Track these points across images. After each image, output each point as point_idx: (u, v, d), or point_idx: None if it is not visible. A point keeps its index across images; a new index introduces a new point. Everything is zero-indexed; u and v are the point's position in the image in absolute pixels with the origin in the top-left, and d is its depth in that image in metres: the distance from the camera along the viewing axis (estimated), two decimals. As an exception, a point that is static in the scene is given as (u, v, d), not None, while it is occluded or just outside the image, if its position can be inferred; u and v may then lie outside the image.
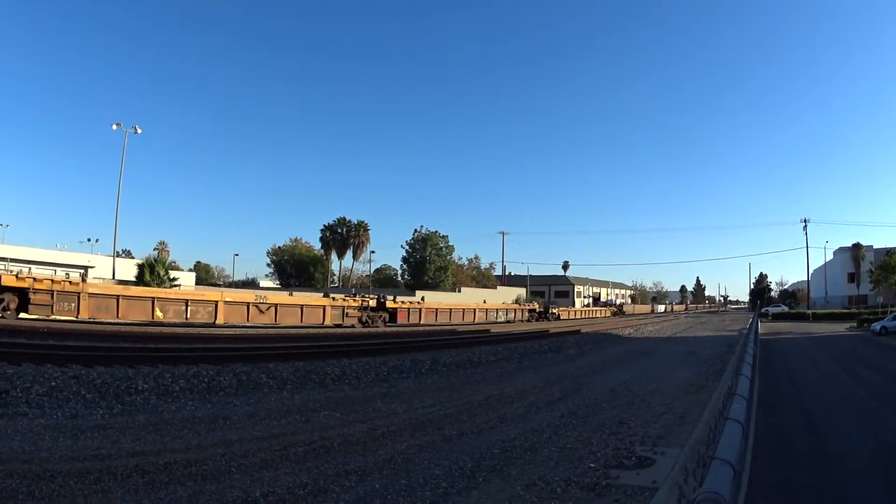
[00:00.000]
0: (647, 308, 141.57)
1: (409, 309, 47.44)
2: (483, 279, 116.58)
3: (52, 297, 26.96)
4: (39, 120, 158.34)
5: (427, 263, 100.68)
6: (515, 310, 68.36)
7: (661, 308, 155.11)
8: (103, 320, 28.06)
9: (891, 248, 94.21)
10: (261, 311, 35.59)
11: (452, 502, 7.61)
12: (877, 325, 49.36)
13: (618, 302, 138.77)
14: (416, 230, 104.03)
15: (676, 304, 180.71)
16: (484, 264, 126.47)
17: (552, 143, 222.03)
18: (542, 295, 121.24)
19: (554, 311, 78.58)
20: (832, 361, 28.52)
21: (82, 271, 59.07)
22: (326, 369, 18.50)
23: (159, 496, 7.28)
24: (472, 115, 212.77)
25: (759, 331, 40.81)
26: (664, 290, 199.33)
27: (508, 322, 62.05)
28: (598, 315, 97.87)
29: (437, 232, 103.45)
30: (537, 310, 72.26)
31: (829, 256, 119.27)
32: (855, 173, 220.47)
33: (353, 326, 40.71)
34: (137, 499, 7.17)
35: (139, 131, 57.14)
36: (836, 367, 25.98)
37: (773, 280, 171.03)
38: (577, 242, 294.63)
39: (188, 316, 31.99)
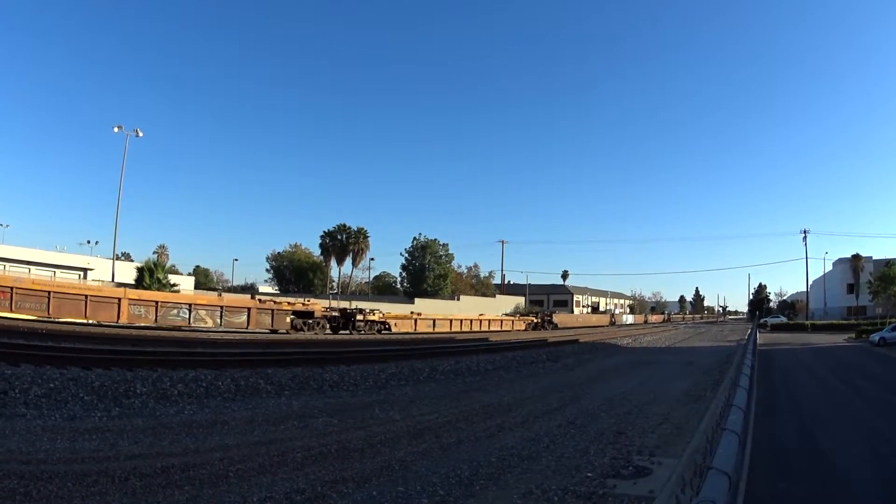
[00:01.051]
0: (598, 318, 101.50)
1: None
2: (482, 288, 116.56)
3: None
4: (40, 121, 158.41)
5: (426, 271, 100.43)
6: (220, 308, 37.74)
7: (629, 318, 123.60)
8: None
9: (890, 260, 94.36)
10: None
11: (449, 510, 7.62)
12: (875, 337, 49.31)
13: (549, 310, 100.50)
14: (415, 238, 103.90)
15: (653, 314, 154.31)
16: (483, 273, 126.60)
17: (552, 152, 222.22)
18: (541, 304, 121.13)
19: (374, 317, 47.49)
20: (830, 372, 28.54)
21: (81, 274, 59.14)
22: (325, 375, 18.53)
23: (156, 499, 7.28)
24: (473, 124, 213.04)
25: (758, 341, 40.87)
26: (663, 300, 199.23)
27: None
28: (495, 327, 64.29)
29: (436, 240, 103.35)
30: (318, 314, 43.04)
31: (829, 267, 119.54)
32: (855, 184, 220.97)
33: None
34: (135, 501, 7.18)
35: (140, 134, 57.23)
36: (833, 378, 26.00)
37: (773, 291, 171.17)
38: (577, 252, 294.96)
39: None
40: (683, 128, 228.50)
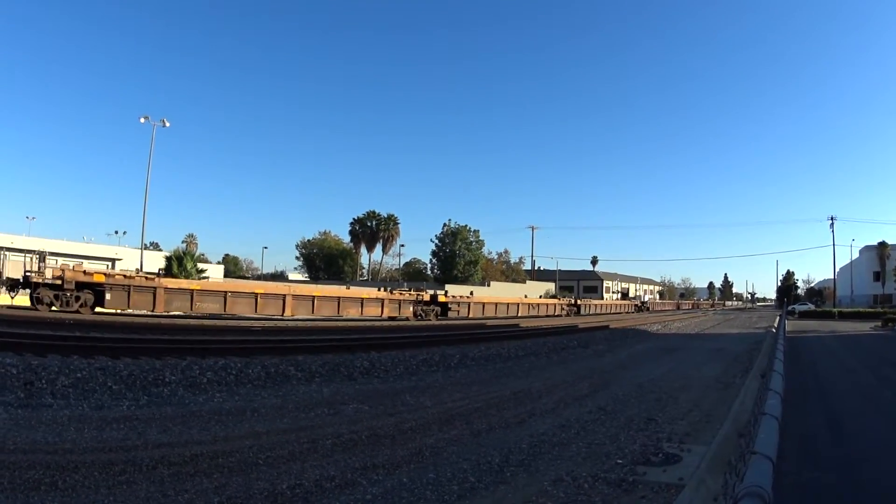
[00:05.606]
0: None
1: None
2: (513, 274, 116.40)
3: None
4: (67, 112, 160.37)
5: (457, 257, 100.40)
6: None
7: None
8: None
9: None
10: None
11: (480, 497, 7.52)
12: None
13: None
14: (445, 224, 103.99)
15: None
16: (513, 259, 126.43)
17: (582, 138, 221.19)
18: (571, 290, 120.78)
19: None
20: (857, 361, 28.03)
21: (109, 264, 59.63)
22: (355, 362, 18.48)
23: (185, 488, 7.25)
24: (503, 110, 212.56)
25: (786, 328, 40.37)
26: (692, 286, 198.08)
27: None
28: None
29: (466, 226, 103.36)
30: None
31: (856, 255, 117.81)
32: (883, 171, 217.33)
33: None
34: (163, 490, 7.15)
35: (167, 124, 57.39)
36: (861, 367, 25.52)
37: (800, 278, 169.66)
38: (607, 238, 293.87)
39: None
40: (710, 112, 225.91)
